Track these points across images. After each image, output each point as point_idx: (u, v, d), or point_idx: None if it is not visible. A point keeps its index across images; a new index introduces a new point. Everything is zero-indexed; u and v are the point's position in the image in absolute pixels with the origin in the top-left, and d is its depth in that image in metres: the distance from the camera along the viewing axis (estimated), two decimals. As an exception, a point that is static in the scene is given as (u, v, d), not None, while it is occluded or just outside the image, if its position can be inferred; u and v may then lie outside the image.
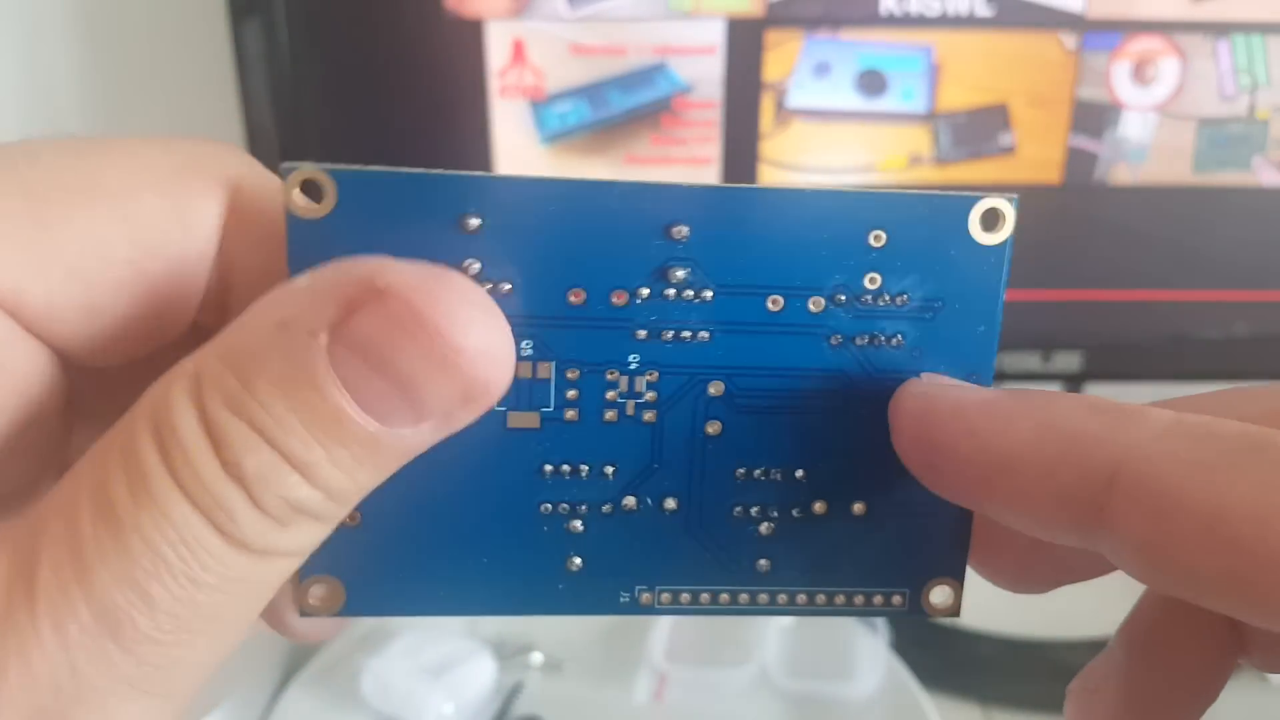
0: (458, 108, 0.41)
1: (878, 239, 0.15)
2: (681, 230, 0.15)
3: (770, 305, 0.15)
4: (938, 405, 0.14)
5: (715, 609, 0.16)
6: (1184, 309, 0.44)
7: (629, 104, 0.41)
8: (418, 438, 0.13)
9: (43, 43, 0.45)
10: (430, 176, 0.15)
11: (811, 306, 0.15)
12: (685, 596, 0.16)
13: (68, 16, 0.45)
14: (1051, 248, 0.44)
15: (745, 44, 0.40)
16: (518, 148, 0.41)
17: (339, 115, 0.41)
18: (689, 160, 0.42)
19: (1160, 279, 0.44)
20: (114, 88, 0.47)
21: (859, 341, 0.16)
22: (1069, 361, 0.45)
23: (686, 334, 0.15)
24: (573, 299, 0.15)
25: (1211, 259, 0.44)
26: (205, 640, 0.12)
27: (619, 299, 0.15)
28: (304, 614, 0.15)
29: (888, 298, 0.15)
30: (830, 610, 0.16)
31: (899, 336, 0.15)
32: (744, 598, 0.16)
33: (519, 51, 0.40)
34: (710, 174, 0.42)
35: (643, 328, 0.15)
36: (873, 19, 0.40)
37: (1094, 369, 0.45)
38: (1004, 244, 0.15)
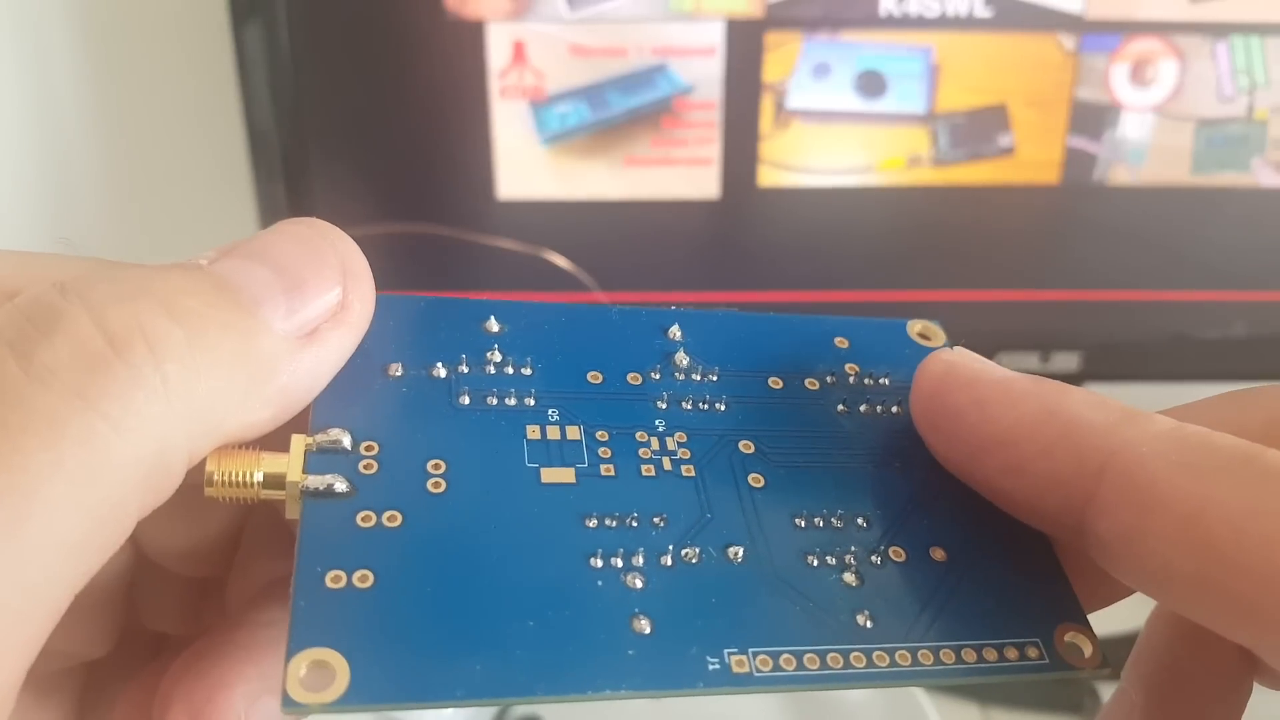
0: (458, 109, 0.41)
1: (842, 343, 0.18)
2: (676, 332, 0.17)
3: (772, 384, 0.17)
4: (956, 372, 0.15)
5: (827, 676, 0.13)
6: (1183, 309, 0.44)
7: (629, 105, 0.41)
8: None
9: (44, 44, 0.45)
10: (446, 301, 0.16)
11: (808, 385, 0.17)
12: (788, 660, 0.13)
13: (69, 18, 0.45)
14: (1050, 248, 0.44)
15: (745, 45, 0.40)
16: (518, 149, 0.41)
17: (340, 117, 0.41)
18: (689, 161, 0.42)
19: (1159, 279, 0.44)
20: (115, 89, 0.47)
21: (863, 409, 0.17)
22: (1068, 362, 0.45)
23: (704, 405, 0.16)
24: (591, 378, 0.16)
25: (1210, 259, 0.44)
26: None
27: (634, 379, 0.16)
28: (289, 705, 0.11)
29: (870, 381, 0.17)
30: (959, 671, 0.14)
31: (897, 406, 0.17)
32: (858, 658, 0.13)
33: (519, 52, 0.40)
34: (710, 175, 0.42)
35: (661, 399, 0.16)
36: (872, 20, 0.40)
37: (1093, 369, 0.45)
38: (943, 347, 0.18)
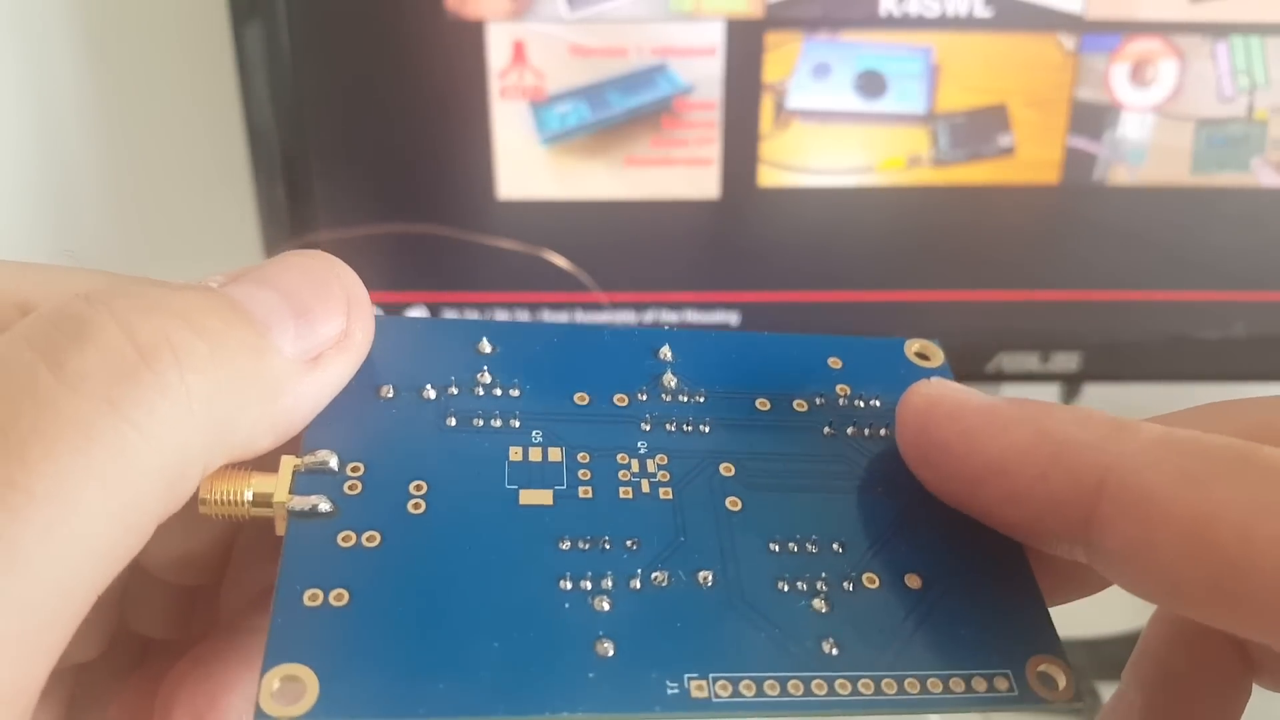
0: (458, 109, 0.41)
1: (835, 363, 0.17)
2: (666, 353, 0.17)
3: (759, 406, 0.17)
4: (939, 405, 0.15)
5: (788, 703, 0.13)
6: (1183, 309, 0.44)
7: (629, 105, 0.41)
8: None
9: (44, 44, 0.45)
10: (441, 323, 0.17)
11: (796, 407, 0.17)
12: (748, 685, 0.13)
13: (69, 18, 0.45)
14: (1050, 248, 0.44)
15: (745, 45, 0.40)
16: (518, 149, 0.41)
17: (340, 117, 0.41)
18: (689, 161, 0.42)
19: (1159, 279, 0.44)
20: (115, 90, 0.47)
21: (850, 431, 0.17)
22: (1068, 362, 0.45)
23: (688, 427, 0.16)
24: (578, 400, 0.16)
25: (1210, 260, 0.44)
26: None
27: (620, 400, 0.16)
28: (262, 718, 0.12)
29: (861, 403, 0.17)
30: (924, 702, 0.13)
31: (885, 429, 0.17)
32: (819, 686, 0.13)
33: (519, 53, 0.40)
34: (710, 175, 0.42)
35: (645, 421, 0.16)
36: (872, 20, 0.40)
37: (1092, 369, 0.45)
38: (942, 367, 0.18)
